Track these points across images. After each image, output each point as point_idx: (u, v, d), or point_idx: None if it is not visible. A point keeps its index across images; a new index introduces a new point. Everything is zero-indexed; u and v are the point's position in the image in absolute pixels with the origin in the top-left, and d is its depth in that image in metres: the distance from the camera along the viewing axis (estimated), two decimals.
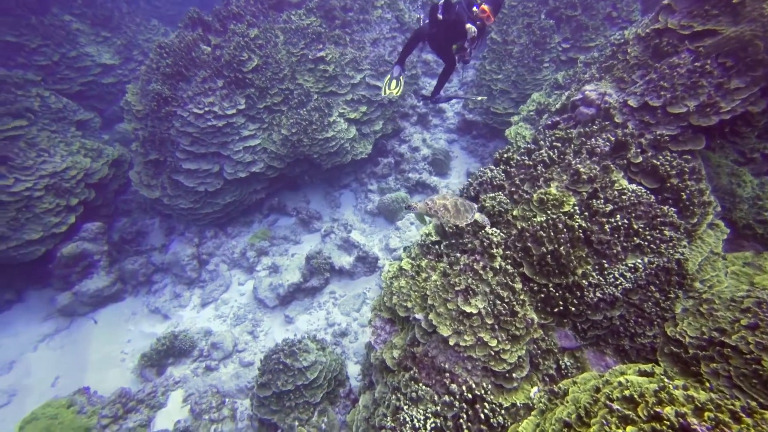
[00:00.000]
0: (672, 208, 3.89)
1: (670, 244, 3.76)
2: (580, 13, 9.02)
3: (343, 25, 9.39)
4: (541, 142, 4.95)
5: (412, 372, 3.77)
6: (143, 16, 15.02)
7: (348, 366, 6.35)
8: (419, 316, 4.02)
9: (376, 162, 9.94)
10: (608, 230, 3.76)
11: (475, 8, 5.22)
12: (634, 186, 3.94)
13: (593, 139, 4.35)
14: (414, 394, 3.57)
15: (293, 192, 10.25)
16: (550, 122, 5.79)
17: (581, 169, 4.07)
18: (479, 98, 7.45)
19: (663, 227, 3.79)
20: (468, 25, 5.47)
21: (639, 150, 4.33)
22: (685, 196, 4.00)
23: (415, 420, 3.29)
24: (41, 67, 11.55)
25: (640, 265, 3.66)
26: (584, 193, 4.06)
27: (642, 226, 3.77)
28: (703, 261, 4.14)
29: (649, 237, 3.74)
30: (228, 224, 9.57)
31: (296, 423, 4.77)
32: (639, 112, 4.79)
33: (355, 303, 7.75)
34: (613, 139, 4.30)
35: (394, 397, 3.68)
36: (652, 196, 3.89)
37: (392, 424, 3.41)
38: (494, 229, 4.01)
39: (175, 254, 8.85)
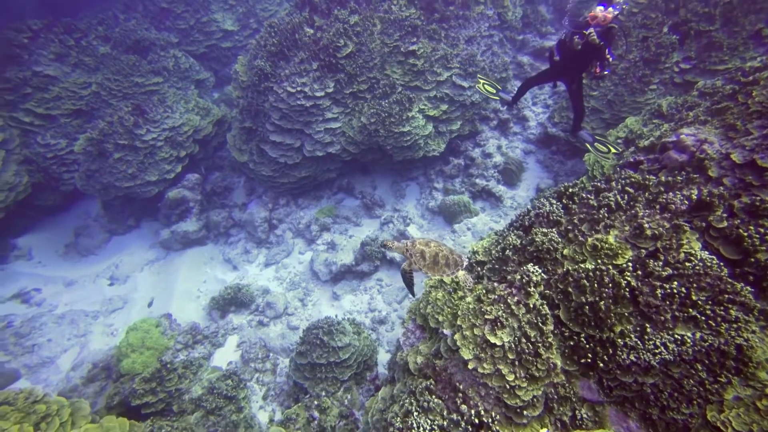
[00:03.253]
0: (748, 287, 3.50)
1: (734, 325, 3.43)
2: (717, 28, 7.85)
3: (441, 19, 9.32)
4: (614, 183, 4.66)
5: (429, 382, 4.03)
6: None
7: (379, 353, 6.80)
8: (447, 332, 4.22)
9: (446, 161, 9.96)
10: (660, 295, 3.54)
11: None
12: (705, 254, 3.61)
13: (671, 194, 4.02)
14: (426, 404, 3.84)
15: (363, 175, 10.75)
16: (632, 159, 5.37)
17: (645, 225, 3.82)
18: (609, 154, 6.58)
19: (730, 305, 3.46)
20: (586, 32, 5.47)
21: (726, 214, 3.91)
22: None
23: (421, 428, 3.58)
24: (180, 30, 13.32)
25: (689, 340, 3.42)
26: (643, 250, 3.83)
27: (703, 299, 3.48)
28: None
29: (708, 312, 3.45)
30: (300, 195, 10.44)
31: (323, 393, 5.39)
32: (741, 170, 4.27)
33: (398, 295, 8.12)
34: (695, 197, 3.93)
35: (408, 400, 3.99)
36: (726, 270, 3.53)
37: (401, 425, 3.74)
38: (536, 267, 3.99)
39: (251, 214, 9.98)
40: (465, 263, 3.96)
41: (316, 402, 5.32)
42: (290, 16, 9.25)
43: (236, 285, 8.19)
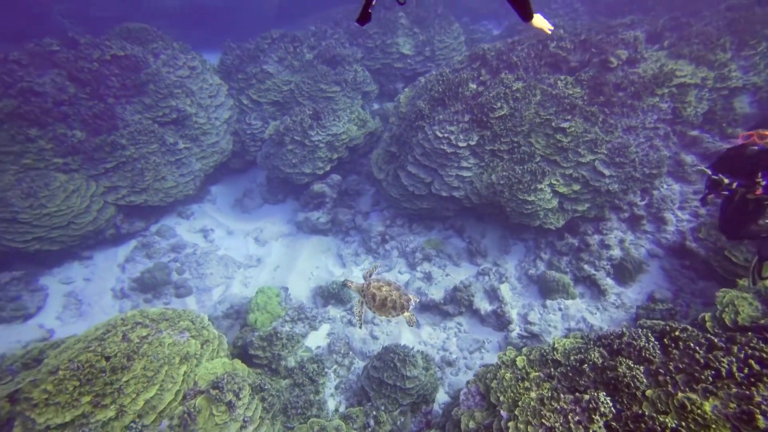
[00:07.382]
0: None
1: None
2: None
3: (604, 103, 9.30)
4: (736, 348, 4.47)
5: None
6: (453, 10, 17.41)
7: (439, 391, 7.49)
8: (504, 413, 4.77)
9: (561, 236, 9.92)
10: None
11: None
12: None
13: None
14: None
15: (476, 221, 11.33)
16: None
17: (758, 417, 3.73)
18: None
19: None
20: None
21: None
22: None
23: None
24: (366, 47, 15.53)
25: None
26: None
27: None
28: None
29: None
30: (415, 221, 11.54)
31: (382, 407, 6.36)
32: None
33: (472, 345, 8.62)
34: None
35: None
36: None
37: None
38: (608, 399, 4.26)
39: (369, 224, 11.46)
40: (411, 306, 4.70)
41: (374, 412, 6.32)
42: (459, 72, 10.28)
43: (343, 282, 9.68)
